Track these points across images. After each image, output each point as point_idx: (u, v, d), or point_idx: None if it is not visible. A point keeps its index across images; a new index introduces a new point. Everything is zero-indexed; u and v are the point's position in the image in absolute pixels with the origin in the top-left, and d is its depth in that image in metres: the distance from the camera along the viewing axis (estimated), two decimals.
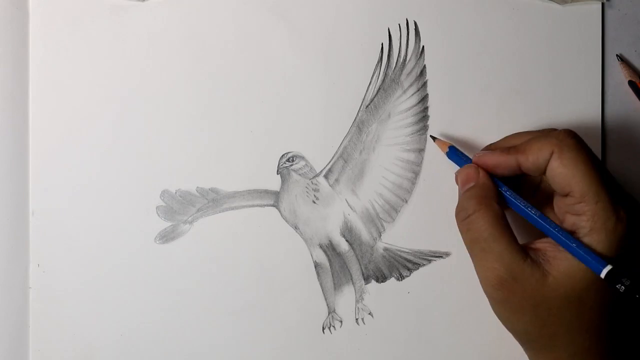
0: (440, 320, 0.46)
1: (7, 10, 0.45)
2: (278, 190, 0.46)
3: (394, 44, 0.46)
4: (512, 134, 0.43)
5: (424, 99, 0.46)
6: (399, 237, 0.46)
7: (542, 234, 0.39)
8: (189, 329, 0.45)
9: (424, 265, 0.46)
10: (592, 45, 0.46)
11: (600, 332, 0.38)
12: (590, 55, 0.46)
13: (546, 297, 0.37)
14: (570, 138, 0.38)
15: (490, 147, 0.43)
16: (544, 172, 0.38)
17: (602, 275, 0.36)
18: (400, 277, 0.46)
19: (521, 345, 0.41)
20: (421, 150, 0.46)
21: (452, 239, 0.46)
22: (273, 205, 0.46)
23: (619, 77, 0.46)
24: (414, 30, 0.46)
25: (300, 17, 0.46)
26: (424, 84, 0.46)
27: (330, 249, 0.46)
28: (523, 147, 0.39)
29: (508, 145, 0.41)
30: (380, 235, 0.46)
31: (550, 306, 0.37)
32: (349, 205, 0.46)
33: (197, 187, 0.46)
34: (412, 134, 0.46)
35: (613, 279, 0.36)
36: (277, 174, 0.46)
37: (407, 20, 0.46)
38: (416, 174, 0.46)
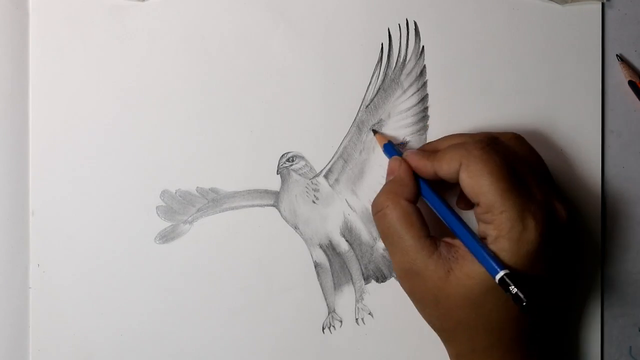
0: None
1: (7, 10, 0.45)
2: (278, 190, 0.46)
3: (394, 44, 0.46)
4: (450, 136, 0.43)
5: (424, 99, 0.46)
6: None
7: None
8: (189, 329, 0.45)
9: None
10: (592, 45, 0.46)
11: (501, 333, 0.39)
12: (590, 55, 0.46)
13: (447, 295, 0.38)
14: (478, 149, 0.38)
15: (424, 147, 0.43)
16: (457, 180, 0.39)
17: (496, 279, 0.36)
18: None
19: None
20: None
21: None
22: (273, 205, 0.46)
23: (619, 77, 0.46)
24: (413, 30, 0.46)
25: (300, 17, 0.46)
26: (424, 84, 0.46)
27: (330, 249, 0.46)
28: (440, 156, 0.40)
29: (437, 148, 0.41)
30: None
31: (450, 304, 0.38)
32: (349, 205, 0.46)
33: (197, 187, 0.46)
34: (412, 134, 0.46)
35: (506, 285, 0.36)
36: (277, 174, 0.46)
37: (407, 20, 0.46)
38: None
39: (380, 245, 0.46)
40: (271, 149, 0.46)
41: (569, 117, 0.46)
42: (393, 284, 0.46)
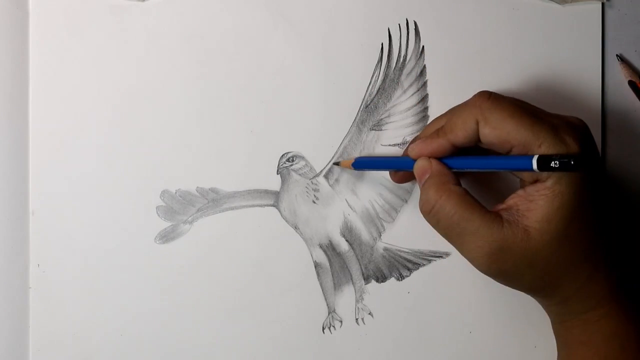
0: (440, 320, 0.46)
1: (7, 10, 0.45)
2: (278, 190, 0.46)
3: (394, 44, 0.46)
4: (432, 120, 0.43)
5: (424, 99, 0.46)
6: (399, 237, 0.46)
7: (506, 197, 0.39)
8: (188, 329, 0.45)
9: (424, 265, 0.46)
10: (592, 45, 0.46)
11: (594, 256, 0.39)
12: (590, 55, 0.46)
13: (537, 251, 0.37)
14: (485, 102, 0.38)
15: (416, 139, 0.43)
16: (477, 141, 0.39)
17: (534, 164, 0.36)
18: (400, 277, 0.46)
19: (542, 306, 0.42)
20: None
21: None
22: (273, 205, 0.46)
23: (619, 77, 0.46)
24: (414, 30, 0.46)
25: (300, 17, 0.46)
26: (424, 84, 0.46)
27: (330, 249, 0.46)
28: (448, 127, 0.39)
29: (434, 130, 0.41)
30: (380, 235, 0.46)
31: (543, 257, 0.38)
32: (349, 205, 0.46)
33: (197, 187, 0.46)
34: (412, 134, 0.46)
35: (547, 165, 0.36)
36: (277, 174, 0.46)
37: (407, 20, 0.46)
38: None
39: (381, 245, 0.46)
40: (271, 149, 0.46)
41: None
42: (393, 284, 0.46)
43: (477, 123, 0.38)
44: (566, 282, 0.39)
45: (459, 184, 0.40)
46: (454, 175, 0.40)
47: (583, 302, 0.39)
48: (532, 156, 0.36)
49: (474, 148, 0.40)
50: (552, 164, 0.35)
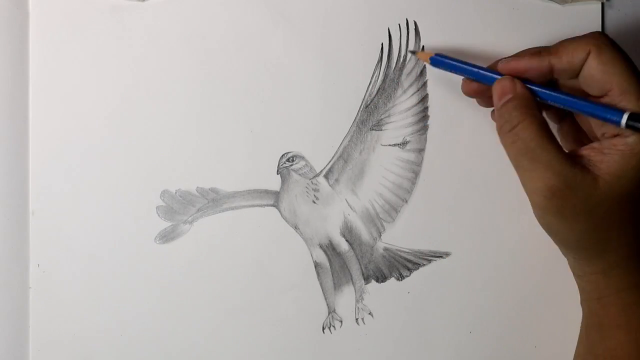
0: (440, 320, 0.46)
1: (7, 10, 0.45)
2: (278, 190, 0.46)
3: (394, 44, 0.46)
4: (529, 48, 0.41)
5: (424, 99, 0.46)
6: (399, 237, 0.46)
7: (583, 144, 0.39)
8: (188, 329, 0.45)
9: (424, 265, 0.46)
10: None
11: None
12: None
13: (599, 201, 0.37)
14: (606, 39, 0.38)
15: (512, 57, 0.41)
16: (577, 73, 0.38)
17: (623, 122, 0.36)
18: (400, 277, 0.46)
19: (568, 254, 0.41)
20: (421, 150, 0.46)
21: (452, 239, 0.46)
22: (273, 205, 0.46)
23: None
24: (414, 30, 0.46)
25: (300, 17, 0.46)
26: (424, 84, 0.46)
27: (330, 249, 0.46)
28: (556, 49, 0.39)
29: (535, 51, 0.40)
30: (380, 235, 0.46)
31: (604, 210, 0.37)
32: (349, 205, 0.46)
33: (197, 187, 0.46)
34: (412, 134, 0.46)
35: (634, 124, 0.36)
36: (277, 174, 0.46)
37: (407, 20, 0.46)
38: (416, 174, 0.46)
39: (381, 245, 0.46)
40: (271, 149, 0.46)
41: None
42: (393, 284, 0.46)
43: (588, 54, 0.38)
44: (616, 246, 0.38)
45: (541, 113, 0.39)
46: (537, 105, 0.39)
47: (627, 276, 0.39)
48: (624, 112, 0.36)
49: (559, 88, 0.40)
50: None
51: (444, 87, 0.46)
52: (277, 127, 0.46)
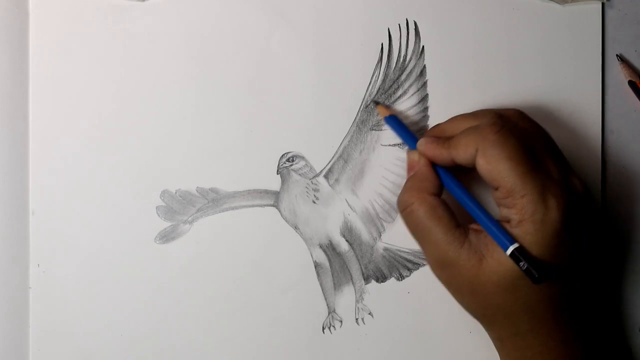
0: (440, 320, 0.46)
1: (7, 10, 0.45)
2: (278, 190, 0.46)
3: (394, 44, 0.46)
4: (456, 117, 0.42)
5: (424, 99, 0.46)
6: (399, 237, 0.46)
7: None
8: (188, 329, 0.45)
9: (424, 265, 0.46)
10: (592, 45, 0.46)
11: (542, 315, 0.39)
12: (590, 55, 0.46)
13: (482, 282, 0.38)
14: (493, 133, 0.38)
15: (433, 132, 0.43)
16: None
17: (508, 253, 0.37)
18: (400, 277, 0.46)
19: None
20: None
21: None
22: (273, 205, 0.46)
23: (619, 77, 0.46)
24: (414, 30, 0.46)
25: (300, 17, 0.46)
26: (424, 84, 0.46)
27: (330, 249, 0.46)
28: (455, 142, 0.40)
29: (449, 133, 0.41)
30: (380, 235, 0.46)
31: (486, 291, 0.39)
32: (349, 205, 0.46)
33: (197, 187, 0.46)
34: None
35: (517, 259, 0.37)
36: (277, 174, 0.46)
37: (407, 20, 0.46)
38: None
39: (381, 245, 0.46)
40: (271, 149, 0.46)
41: (569, 117, 0.46)
42: (393, 284, 0.46)
43: (477, 151, 0.38)
44: (502, 324, 0.40)
45: (437, 194, 0.41)
46: (437, 182, 0.41)
47: (516, 351, 0.40)
48: (511, 244, 0.37)
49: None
50: (521, 264, 0.36)
51: (444, 87, 0.46)
52: (277, 127, 0.46)
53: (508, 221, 0.38)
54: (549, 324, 0.39)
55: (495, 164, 0.38)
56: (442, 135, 0.41)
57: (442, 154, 0.40)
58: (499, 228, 0.38)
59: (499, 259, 0.38)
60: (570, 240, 0.38)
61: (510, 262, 0.37)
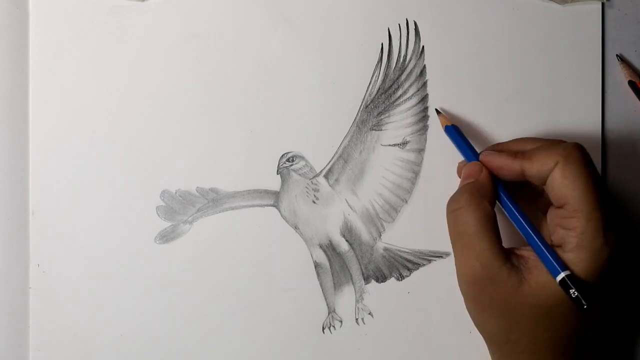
0: (440, 320, 0.46)
1: (7, 10, 0.45)
2: (278, 190, 0.46)
3: (394, 44, 0.46)
4: (522, 138, 0.42)
5: (424, 99, 0.46)
6: (399, 237, 0.46)
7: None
8: (188, 329, 0.45)
9: (424, 265, 0.46)
10: (592, 45, 0.46)
11: (565, 350, 0.39)
12: (590, 55, 0.46)
13: (517, 304, 0.38)
14: (577, 151, 0.38)
15: (497, 148, 0.42)
16: (545, 181, 0.39)
17: (557, 279, 0.36)
18: (400, 277, 0.46)
19: (487, 345, 0.41)
20: (421, 150, 0.46)
21: None
22: (273, 205, 0.46)
23: (619, 77, 0.46)
24: (414, 30, 0.46)
25: (300, 17, 0.46)
26: (424, 84, 0.46)
27: (330, 249, 0.46)
28: (530, 154, 0.39)
29: (516, 149, 0.41)
30: (380, 235, 0.46)
31: (519, 313, 0.38)
32: (349, 205, 0.46)
33: (197, 187, 0.46)
34: (412, 134, 0.46)
35: (567, 287, 0.36)
36: (277, 174, 0.46)
37: (407, 20, 0.46)
38: (416, 174, 0.46)
39: (381, 245, 0.46)
40: (271, 149, 0.46)
41: (569, 117, 0.46)
42: (393, 284, 0.46)
43: (556, 164, 0.38)
44: (525, 352, 0.39)
45: (493, 206, 0.40)
46: (494, 196, 0.40)
47: None
48: (562, 270, 0.36)
49: (531, 191, 0.40)
50: (571, 292, 0.36)
51: (444, 87, 0.46)
52: (277, 127, 0.46)
53: (560, 245, 0.38)
54: (571, 357, 0.39)
55: (572, 180, 0.37)
56: (508, 150, 0.41)
57: (512, 164, 0.39)
58: (551, 252, 0.37)
59: (542, 283, 0.37)
60: (612, 276, 0.38)
61: (553, 287, 0.37)
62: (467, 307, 0.40)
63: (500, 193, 0.40)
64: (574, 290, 0.36)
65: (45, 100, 0.45)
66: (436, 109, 0.45)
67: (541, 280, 0.37)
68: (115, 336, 0.45)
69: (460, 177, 0.43)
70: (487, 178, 0.40)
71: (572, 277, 0.36)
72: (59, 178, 0.45)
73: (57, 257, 0.45)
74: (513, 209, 0.40)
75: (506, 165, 0.40)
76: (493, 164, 0.40)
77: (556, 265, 0.37)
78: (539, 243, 0.38)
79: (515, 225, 0.40)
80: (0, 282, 0.45)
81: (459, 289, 0.46)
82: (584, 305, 0.36)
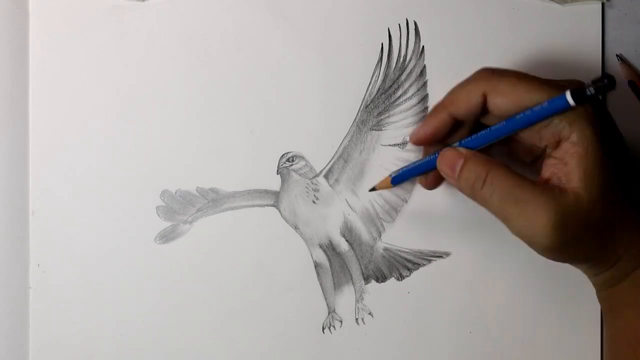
0: (440, 320, 0.46)
1: (7, 10, 0.45)
2: (278, 190, 0.46)
3: (394, 44, 0.46)
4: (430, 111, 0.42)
5: (424, 99, 0.46)
6: (399, 237, 0.46)
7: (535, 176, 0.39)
8: (188, 329, 0.45)
9: (424, 265, 0.46)
10: (592, 45, 0.46)
11: (639, 205, 0.38)
12: (590, 55, 0.46)
13: (590, 210, 0.36)
14: (492, 73, 0.38)
15: (418, 127, 0.42)
16: (480, 112, 0.38)
17: (569, 99, 0.36)
18: (400, 277, 0.46)
19: (582, 267, 0.40)
20: (421, 150, 0.46)
21: (452, 239, 0.46)
22: (273, 205, 0.46)
23: (619, 77, 0.46)
24: (414, 30, 0.46)
25: (300, 17, 0.46)
26: (424, 84, 0.46)
27: (330, 249, 0.46)
28: (449, 100, 0.39)
29: (432, 111, 0.41)
30: (380, 235, 0.46)
31: (597, 214, 0.37)
32: (349, 205, 0.46)
33: (197, 187, 0.46)
34: None
35: (580, 97, 0.36)
36: (277, 174, 0.46)
37: (407, 20, 0.46)
38: None
39: (381, 245, 0.46)
40: (271, 149, 0.46)
41: None
42: (393, 284, 0.46)
43: (484, 96, 0.38)
44: (619, 238, 0.38)
45: (494, 159, 0.39)
46: (483, 155, 0.39)
47: (635, 259, 0.38)
48: (563, 94, 0.36)
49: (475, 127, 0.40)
50: (588, 91, 0.35)
51: (444, 87, 0.46)
52: (277, 127, 0.46)
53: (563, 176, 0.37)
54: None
55: (514, 92, 0.37)
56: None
57: (440, 118, 0.39)
58: (546, 103, 0.36)
59: (586, 175, 0.36)
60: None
61: (596, 170, 0.36)
62: (555, 255, 0.38)
63: (469, 143, 0.39)
64: (590, 87, 0.35)
65: (46, 101, 0.45)
66: (370, 190, 0.45)
67: (583, 174, 0.36)
68: (115, 336, 0.45)
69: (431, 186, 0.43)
70: (465, 149, 0.39)
71: (575, 90, 0.36)
72: (59, 178, 0.45)
73: (57, 257, 0.45)
74: (487, 133, 0.39)
75: (437, 123, 0.40)
76: (428, 132, 0.40)
77: (556, 97, 0.36)
78: (527, 113, 0.37)
79: (507, 134, 0.39)
80: (0, 282, 0.45)
81: (458, 289, 0.46)
82: (606, 82, 0.35)
